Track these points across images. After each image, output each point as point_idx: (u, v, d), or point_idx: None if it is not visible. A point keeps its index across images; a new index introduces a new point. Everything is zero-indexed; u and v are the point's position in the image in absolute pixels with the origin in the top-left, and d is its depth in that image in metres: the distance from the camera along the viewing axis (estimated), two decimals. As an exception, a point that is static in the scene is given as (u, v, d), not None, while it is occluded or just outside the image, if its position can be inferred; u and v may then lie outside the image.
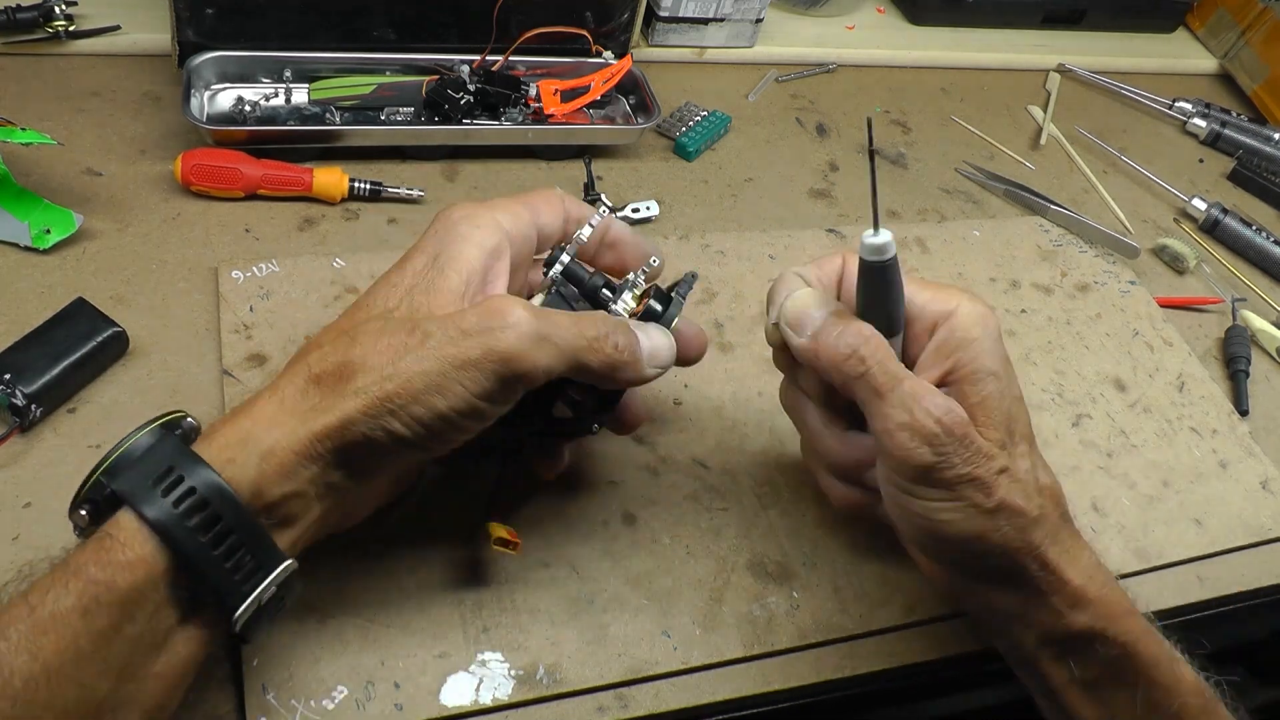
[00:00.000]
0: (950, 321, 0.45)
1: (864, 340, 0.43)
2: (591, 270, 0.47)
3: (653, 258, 0.48)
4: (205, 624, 0.38)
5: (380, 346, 0.40)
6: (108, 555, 0.35)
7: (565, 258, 0.46)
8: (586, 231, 0.47)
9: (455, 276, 0.42)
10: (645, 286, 0.47)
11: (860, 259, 0.43)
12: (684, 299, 0.48)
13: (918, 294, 0.46)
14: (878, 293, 0.44)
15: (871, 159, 0.44)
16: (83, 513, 0.37)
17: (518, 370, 0.40)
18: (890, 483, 0.44)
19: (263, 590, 0.37)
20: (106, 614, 0.34)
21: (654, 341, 0.45)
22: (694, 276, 0.49)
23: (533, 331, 0.40)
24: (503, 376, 0.40)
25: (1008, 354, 0.45)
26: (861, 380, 0.43)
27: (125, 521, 0.36)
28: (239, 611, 0.37)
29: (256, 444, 0.38)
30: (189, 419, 0.40)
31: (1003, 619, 0.45)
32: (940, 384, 0.44)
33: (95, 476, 0.37)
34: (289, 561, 0.38)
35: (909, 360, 0.46)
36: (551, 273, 0.46)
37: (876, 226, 0.42)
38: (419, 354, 0.39)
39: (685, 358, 0.49)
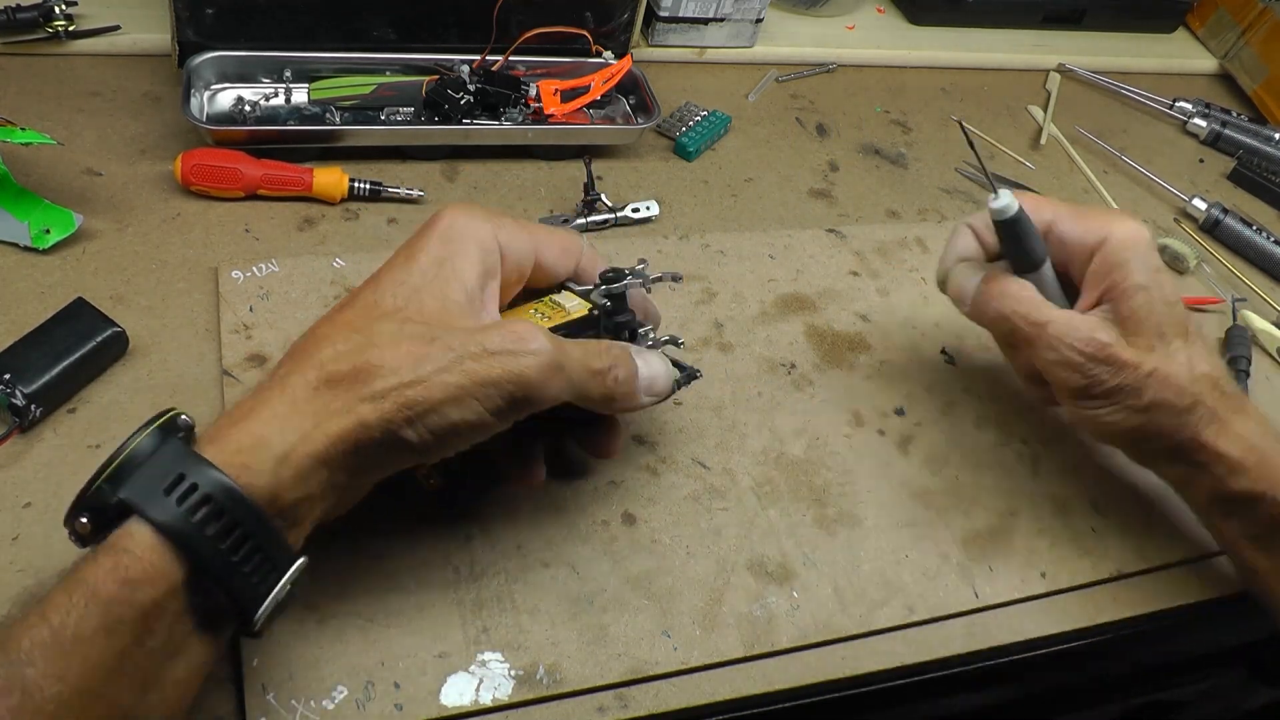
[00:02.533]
0: (1103, 249, 0.52)
1: (1008, 301, 0.52)
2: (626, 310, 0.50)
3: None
4: (220, 626, 0.38)
5: (400, 353, 0.40)
6: (125, 572, 0.34)
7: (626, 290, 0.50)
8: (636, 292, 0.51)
9: (459, 288, 0.43)
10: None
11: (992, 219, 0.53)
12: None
13: (1073, 226, 0.53)
14: (1012, 242, 0.53)
15: (968, 138, 0.56)
16: (84, 520, 0.36)
17: (531, 395, 0.42)
18: (1063, 401, 0.54)
19: (279, 590, 0.38)
20: (129, 631, 0.34)
21: (653, 370, 0.48)
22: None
23: (551, 361, 0.42)
24: (515, 398, 0.41)
25: (1159, 262, 0.52)
26: (1014, 335, 0.53)
27: (138, 533, 0.35)
28: (259, 614, 0.37)
29: (270, 448, 0.37)
30: (184, 416, 0.39)
31: (1177, 485, 0.55)
32: (1098, 303, 0.52)
33: (98, 483, 0.36)
34: (302, 560, 0.38)
35: (1073, 280, 0.54)
36: (600, 293, 0.50)
37: (995, 191, 0.51)
38: (441, 365, 0.40)
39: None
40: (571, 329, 0.48)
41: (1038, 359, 0.52)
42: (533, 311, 0.49)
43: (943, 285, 0.57)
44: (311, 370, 0.39)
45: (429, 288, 0.42)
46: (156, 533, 0.35)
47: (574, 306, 0.49)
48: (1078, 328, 0.51)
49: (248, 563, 0.36)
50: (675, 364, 0.52)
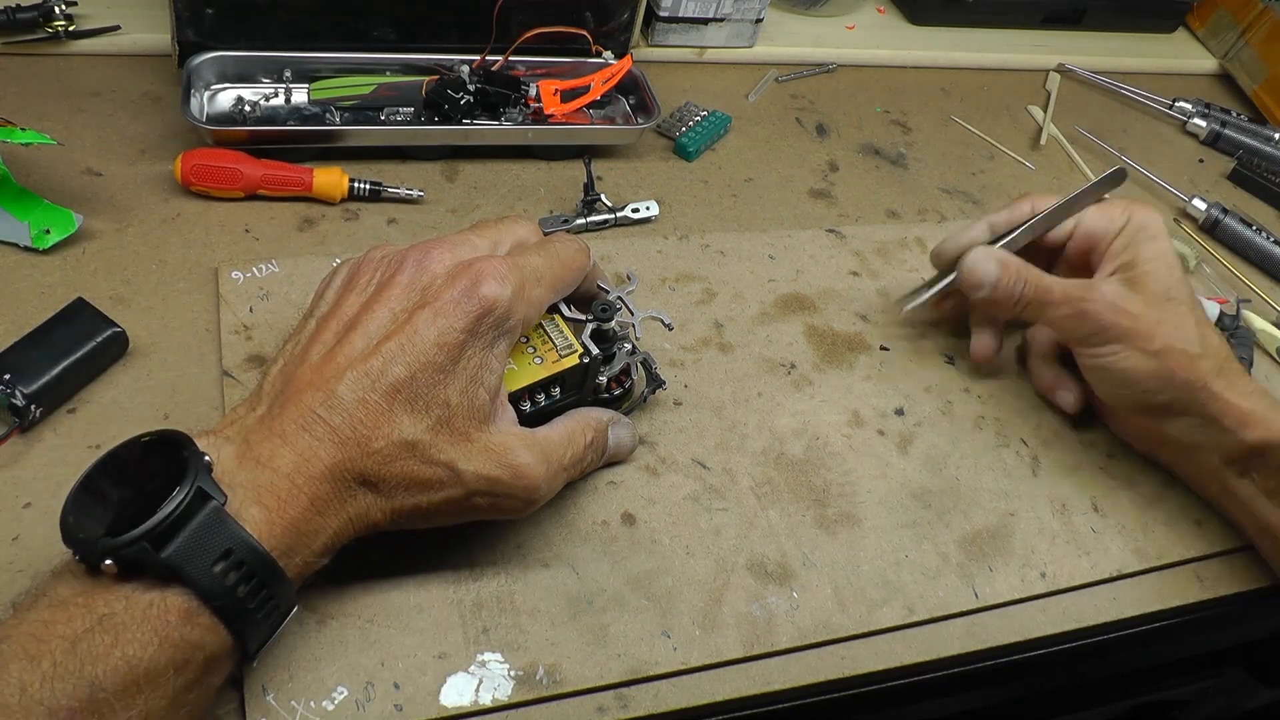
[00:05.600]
0: (1122, 234, 0.58)
1: (1023, 282, 0.58)
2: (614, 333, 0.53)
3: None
4: (228, 664, 0.40)
5: (425, 477, 0.43)
6: (174, 633, 0.36)
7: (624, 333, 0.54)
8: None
9: (488, 391, 0.45)
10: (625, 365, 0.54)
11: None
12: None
13: (1097, 219, 0.60)
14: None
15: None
16: (110, 562, 0.36)
17: (520, 514, 0.48)
18: (1078, 354, 0.59)
19: (277, 633, 0.41)
20: (192, 674, 0.37)
21: (620, 441, 0.54)
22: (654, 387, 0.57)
23: (546, 489, 0.47)
24: (504, 513, 0.47)
25: (1170, 247, 0.58)
26: (1030, 306, 0.59)
27: (185, 596, 0.37)
28: (258, 651, 0.41)
29: (313, 539, 0.41)
30: (206, 458, 0.39)
31: (1187, 449, 0.58)
32: (1115, 272, 0.58)
33: (138, 540, 0.36)
34: (295, 609, 0.42)
35: (1088, 261, 0.60)
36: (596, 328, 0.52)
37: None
38: (452, 498, 0.44)
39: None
40: (564, 377, 0.50)
41: (1052, 320, 0.58)
42: (527, 348, 0.50)
43: (940, 263, 0.64)
44: (351, 460, 0.41)
45: (464, 390, 0.44)
46: (202, 600, 0.37)
47: (564, 348, 0.51)
48: (1083, 286, 0.57)
49: (261, 610, 0.39)
50: (647, 372, 0.56)
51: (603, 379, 0.52)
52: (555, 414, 0.52)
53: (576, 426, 0.50)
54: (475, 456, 0.44)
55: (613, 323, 0.52)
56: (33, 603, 0.36)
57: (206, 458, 0.39)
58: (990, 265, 0.59)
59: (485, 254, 0.46)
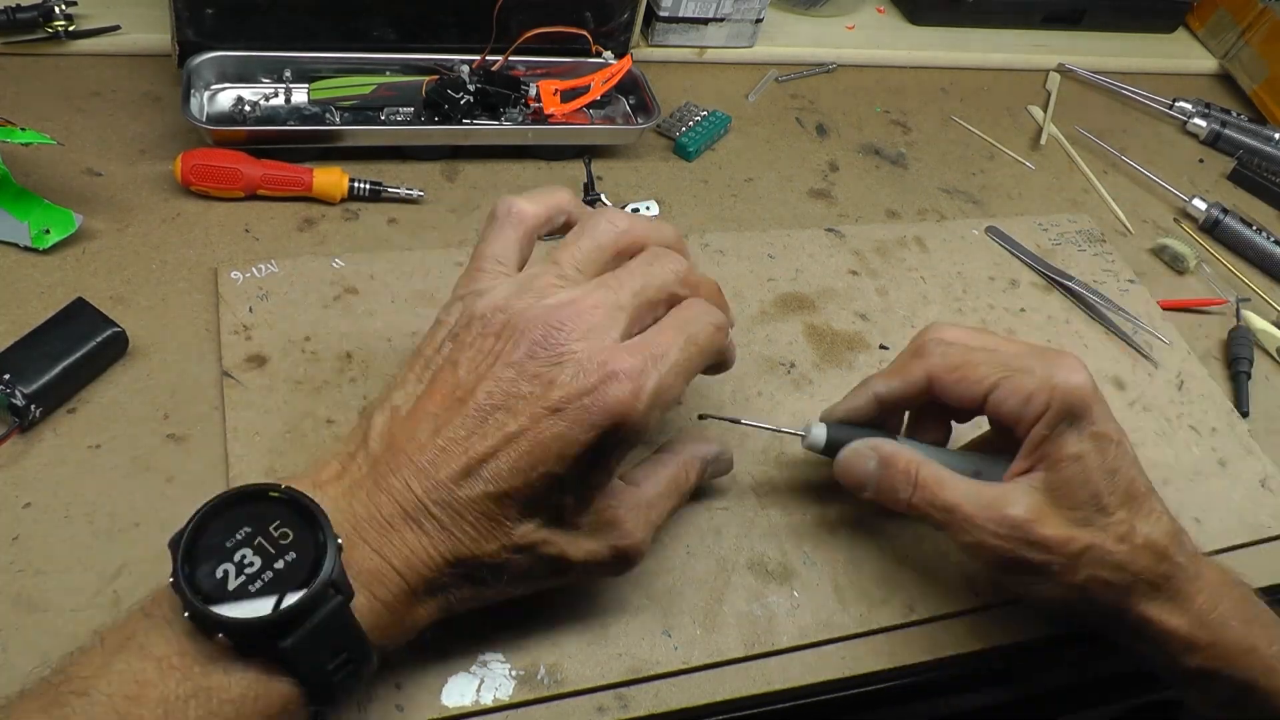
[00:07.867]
0: (1044, 417, 0.46)
1: (911, 486, 0.48)
2: None
3: None
4: None
5: (533, 572, 0.43)
6: (280, 704, 0.36)
7: None
8: None
9: (600, 496, 0.44)
10: None
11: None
12: None
13: (1011, 391, 0.47)
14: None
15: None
16: (221, 636, 0.35)
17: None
18: (992, 575, 0.51)
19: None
20: None
21: (718, 473, 0.54)
22: None
23: (645, 550, 0.46)
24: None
25: (1104, 424, 0.46)
26: (927, 517, 0.48)
27: (283, 693, 0.36)
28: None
29: (412, 629, 0.41)
30: (338, 539, 0.37)
31: (1127, 649, 0.50)
32: (1030, 470, 0.47)
33: (266, 621, 0.35)
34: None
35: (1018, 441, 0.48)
36: None
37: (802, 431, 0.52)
38: (555, 582, 0.45)
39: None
40: None
41: (956, 542, 0.47)
42: None
43: (817, 448, 0.52)
44: (460, 559, 0.41)
45: (580, 493, 0.42)
46: (304, 692, 0.37)
47: None
48: (989, 505, 0.46)
49: (346, 688, 0.38)
50: None
51: None
52: None
53: (681, 473, 0.49)
54: (583, 541, 0.43)
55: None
56: (121, 646, 0.35)
57: (339, 539, 0.37)
58: (869, 464, 0.49)
59: (616, 340, 0.42)
